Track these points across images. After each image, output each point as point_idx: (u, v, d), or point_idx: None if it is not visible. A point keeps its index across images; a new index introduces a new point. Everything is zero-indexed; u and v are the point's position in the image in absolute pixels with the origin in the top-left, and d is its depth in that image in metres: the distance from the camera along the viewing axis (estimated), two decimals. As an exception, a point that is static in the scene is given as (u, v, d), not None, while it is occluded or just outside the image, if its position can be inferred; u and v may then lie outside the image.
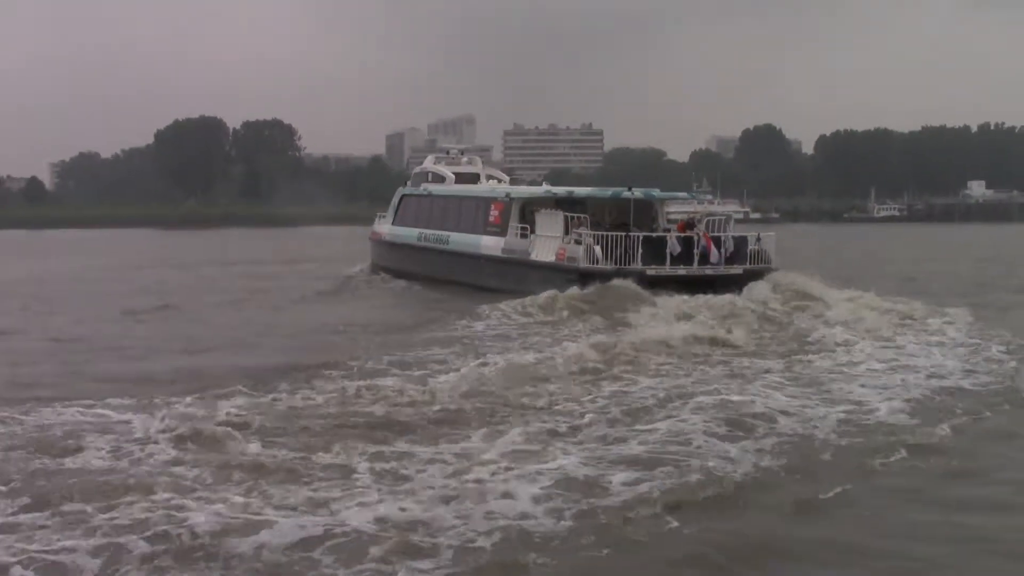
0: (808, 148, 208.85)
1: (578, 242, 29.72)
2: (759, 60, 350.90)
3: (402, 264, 40.23)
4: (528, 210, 33.68)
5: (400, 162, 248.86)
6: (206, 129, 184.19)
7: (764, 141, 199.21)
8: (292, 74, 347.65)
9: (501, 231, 33.88)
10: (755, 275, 29.17)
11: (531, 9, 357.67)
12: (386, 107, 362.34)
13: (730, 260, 29.62)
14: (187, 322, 27.53)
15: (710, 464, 12.23)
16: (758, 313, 25.34)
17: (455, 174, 41.85)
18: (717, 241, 29.56)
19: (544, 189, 38.35)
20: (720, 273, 29.13)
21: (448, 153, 45.07)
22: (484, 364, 18.43)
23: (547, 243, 31.28)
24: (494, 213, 34.60)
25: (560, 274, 29.66)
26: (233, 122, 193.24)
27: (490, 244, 34.26)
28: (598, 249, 29.21)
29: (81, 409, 14.83)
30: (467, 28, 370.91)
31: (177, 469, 11.91)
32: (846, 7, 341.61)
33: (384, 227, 43.42)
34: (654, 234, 30.24)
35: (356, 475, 11.75)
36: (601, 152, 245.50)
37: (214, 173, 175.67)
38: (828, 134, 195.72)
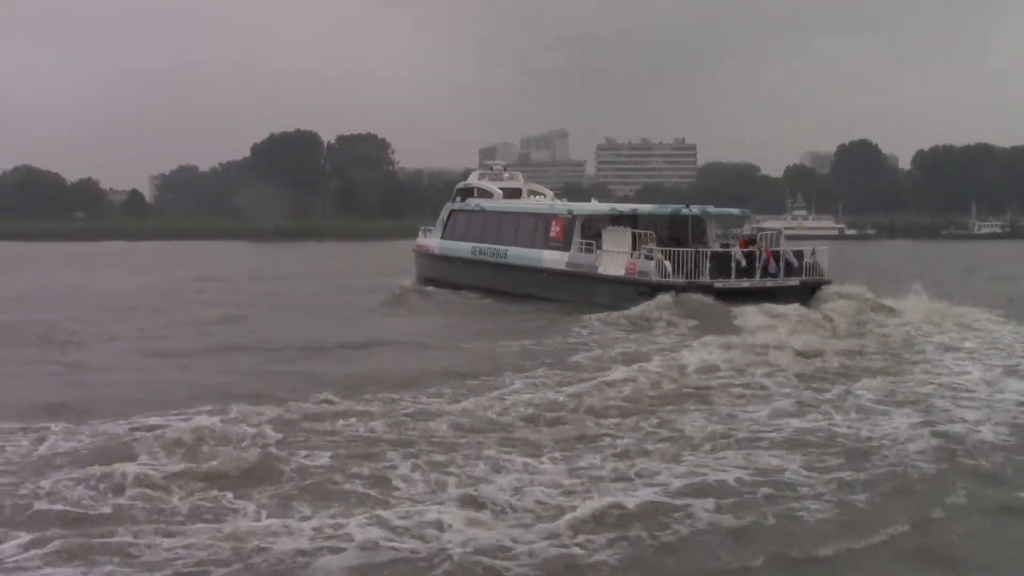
0: (905, 163, 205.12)
1: (648, 257, 31.61)
2: (855, 75, 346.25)
3: (454, 276, 41.42)
4: (589, 226, 35.58)
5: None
6: (301, 143, 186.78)
7: (860, 156, 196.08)
8: (387, 89, 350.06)
9: (564, 246, 35.72)
10: (810, 286, 31.38)
11: (625, 25, 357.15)
12: (480, 122, 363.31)
13: (788, 273, 31.66)
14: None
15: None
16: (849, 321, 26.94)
17: (501, 189, 43.82)
18: (776, 255, 31.64)
19: (608, 206, 39.99)
20: (780, 285, 31.02)
21: (492, 169, 47.07)
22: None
23: (615, 258, 33.12)
24: (555, 229, 36.46)
25: (631, 287, 31.46)
26: (328, 136, 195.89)
27: (553, 258, 36.01)
28: (668, 263, 31.14)
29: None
30: (561, 44, 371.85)
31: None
32: (943, 21, 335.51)
33: (433, 241, 44.74)
34: (720, 249, 32.50)
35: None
36: (694, 167, 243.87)
37: (309, 187, 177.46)
38: (926, 149, 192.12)
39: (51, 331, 27.56)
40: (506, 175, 45.98)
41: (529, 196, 44.17)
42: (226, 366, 21.79)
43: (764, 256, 31.40)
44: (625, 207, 38.03)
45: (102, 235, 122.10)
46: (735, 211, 38.98)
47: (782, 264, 31.56)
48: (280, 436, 14.12)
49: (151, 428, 14.43)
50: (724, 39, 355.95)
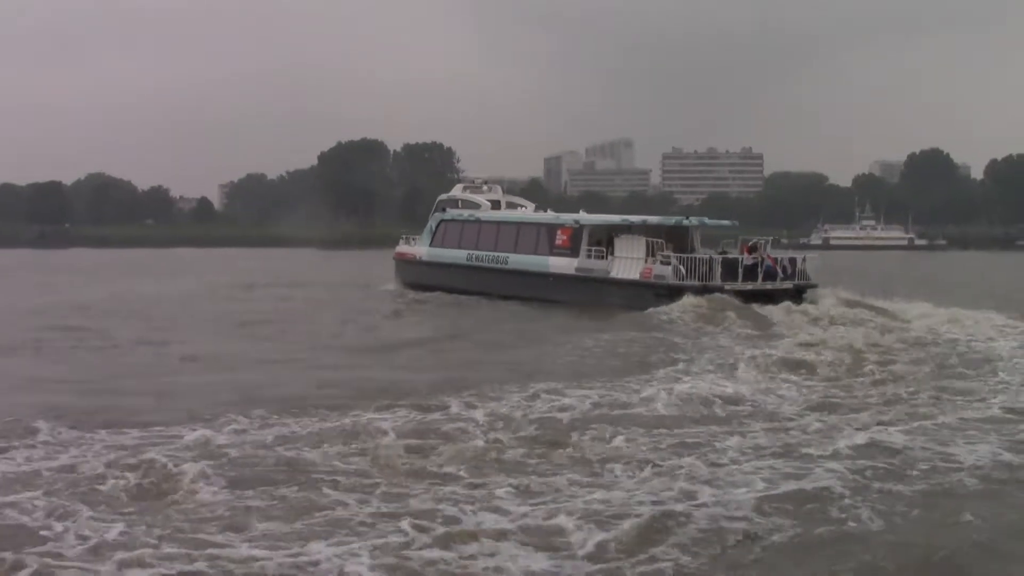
0: (978, 173, 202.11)
1: (665, 262, 35.53)
2: (925, 84, 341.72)
3: (447, 282, 44.11)
4: (595, 235, 39.51)
5: (558, 184, 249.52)
6: (368, 151, 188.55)
7: (931, 166, 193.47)
8: (453, 97, 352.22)
9: (572, 253, 39.34)
10: (800, 289, 35.40)
11: (693, 31, 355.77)
12: (545, 130, 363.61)
13: (784, 277, 35.70)
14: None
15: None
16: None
17: (488, 201, 47.34)
18: (777, 261, 35.95)
19: (619, 217, 43.88)
20: (777, 287, 34.94)
21: (474, 183, 51.21)
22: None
23: (629, 263, 36.84)
24: (562, 237, 40.12)
25: (648, 289, 35.32)
26: (394, 144, 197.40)
27: (560, 264, 39.64)
28: (682, 268, 35.08)
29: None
30: (628, 53, 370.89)
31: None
32: (1016, 29, 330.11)
33: (420, 249, 47.91)
34: (728, 255, 36.39)
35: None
36: (761, 176, 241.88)
37: (374, 195, 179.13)
38: (999, 159, 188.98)
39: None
40: (485, 188, 49.57)
41: (506, 207, 47.76)
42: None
43: (768, 262, 35.56)
44: (635, 218, 41.40)
45: (171, 242, 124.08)
46: (727, 223, 43.82)
47: (779, 269, 35.61)
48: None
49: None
50: (794, 45, 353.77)
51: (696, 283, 34.45)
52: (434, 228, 47.34)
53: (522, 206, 48.96)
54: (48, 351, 25.35)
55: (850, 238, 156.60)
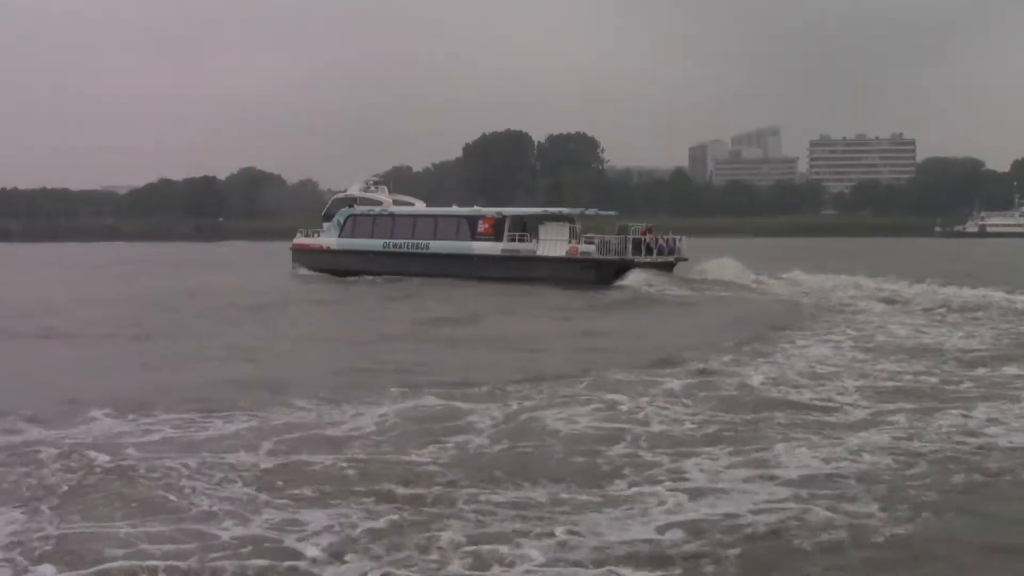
0: None
1: (589, 242, 46.14)
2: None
3: (362, 266, 51.93)
4: (514, 224, 48.81)
5: (703, 174, 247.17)
6: (512, 142, 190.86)
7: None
8: (597, 87, 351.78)
9: (496, 238, 48.53)
10: (677, 262, 46.62)
11: (842, 16, 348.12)
12: (690, 119, 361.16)
13: (668, 252, 46.55)
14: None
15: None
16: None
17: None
18: (665, 240, 46.77)
19: (510, 210, 52.52)
20: (664, 260, 45.81)
21: (367, 183, 58.75)
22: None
23: (555, 244, 46.61)
24: (484, 225, 49.29)
25: (576, 264, 45.65)
26: (538, 135, 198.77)
27: (484, 247, 48.64)
28: (603, 247, 45.69)
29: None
30: (774, 39, 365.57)
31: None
32: None
33: (328, 240, 55.81)
34: (636, 236, 45.85)
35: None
36: (913, 163, 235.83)
37: (518, 186, 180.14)
38: None
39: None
40: (372, 187, 58.00)
41: (393, 205, 56.47)
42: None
43: (660, 242, 46.26)
44: (553, 209, 52.85)
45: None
46: (613, 213, 56.59)
47: (666, 247, 46.40)
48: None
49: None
50: (950, 26, 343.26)
51: (615, 258, 45.19)
52: (342, 222, 55.15)
53: (411, 203, 57.73)
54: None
55: (1008, 225, 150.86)
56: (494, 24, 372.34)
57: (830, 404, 15.80)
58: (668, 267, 45.67)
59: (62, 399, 15.86)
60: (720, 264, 45.80)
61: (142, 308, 34.58)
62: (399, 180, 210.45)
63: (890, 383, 17.81)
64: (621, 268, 44.55)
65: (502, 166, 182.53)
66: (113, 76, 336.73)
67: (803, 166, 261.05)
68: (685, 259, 46.93)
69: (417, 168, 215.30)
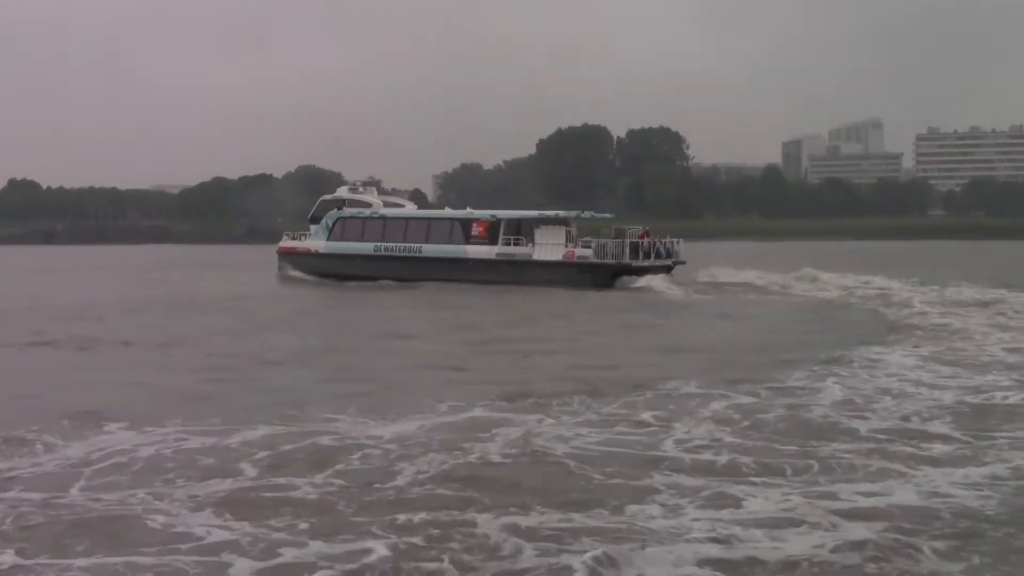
0: None
1: (586, 246, 46.80)
2: None
3: (353, 270, 52.28)
4: (509, 227, 49.18)
5: (797, 172, 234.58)
6: (588, 138, 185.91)
7: None
8: (681, 80, 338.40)
9: (490, 241, 48.80)
10: (675, 264, 46.98)
11: (952, 4, 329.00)
12: (783, 112, 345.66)
13: (666, 256, 47.39)
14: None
15: None
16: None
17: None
18: (663, 244, 47.63)
19: (505, 212, 52.80)
20: (662, 264, 46.28)
21: (355, 185, 59.98)
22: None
23: (551, 248, 47.13)
24: (478, 229, 49.51)
25: (573, 268, 46.01)
26: (618, 130, 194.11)
27: (479, 251, 48.98)
28: (599, 250, 46.60)
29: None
30: (874, 27, 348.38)
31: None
32: None
33: (317, 243, 55.75)
34: (633, 240, 46.28)
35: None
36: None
37: (596, 183, 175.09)
38: None
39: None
40: (361, 190, 58.07)
41: (384, 207, 56.36)
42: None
43: (657, 245, 46.73)
44: (549, 213, 52.24)
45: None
46: (608, 215, 55.86)
47: (664, 250, 47.12)
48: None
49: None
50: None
51: (612, 262, 45.43)
52: (331, 225, 55.34)
53: (401, 205, 58.20)
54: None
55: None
56: (576, 14, 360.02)
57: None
58: (666, 271, 46.15)
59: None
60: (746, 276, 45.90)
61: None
62: (467, 178, 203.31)
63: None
64: (618, 272, 45.44)
65: (579, 163, 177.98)
66: (165, 71, 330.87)
67: (908, 162, 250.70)
68: (683, 263, 47.66)
69: (488, 166, 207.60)
